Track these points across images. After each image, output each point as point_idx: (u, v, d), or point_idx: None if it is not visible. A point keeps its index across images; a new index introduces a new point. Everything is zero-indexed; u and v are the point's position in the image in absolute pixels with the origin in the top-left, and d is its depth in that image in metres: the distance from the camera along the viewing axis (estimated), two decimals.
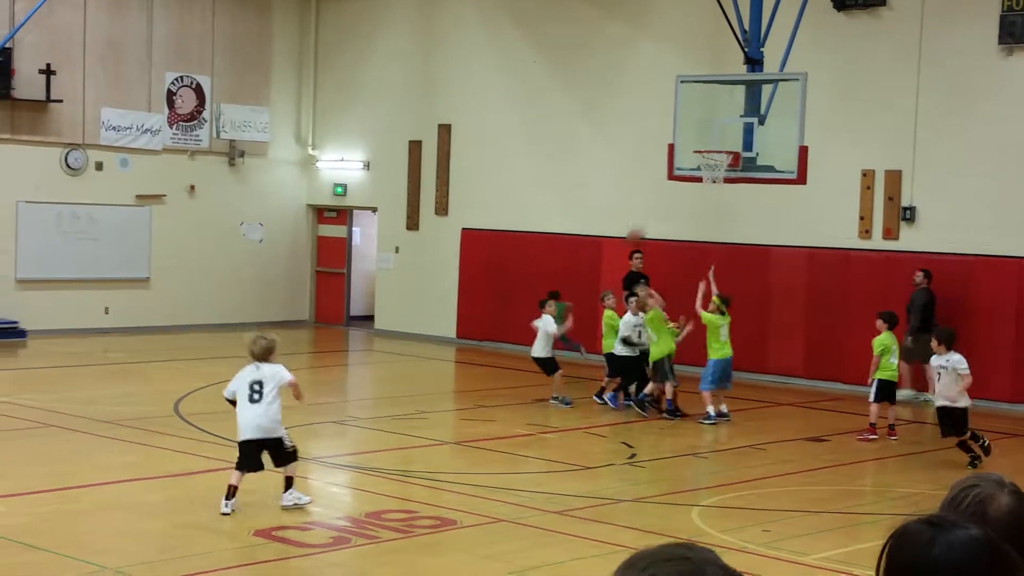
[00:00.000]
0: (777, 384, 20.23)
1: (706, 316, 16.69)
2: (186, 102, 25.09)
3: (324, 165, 26.85)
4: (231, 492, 11.05)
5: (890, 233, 19.76)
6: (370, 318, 26.60)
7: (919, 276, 18.71)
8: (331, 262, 27.22)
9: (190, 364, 21.01)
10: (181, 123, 25.04)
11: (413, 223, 25.44)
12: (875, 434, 15.62)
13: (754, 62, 17.34)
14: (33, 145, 23.09)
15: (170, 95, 24.85)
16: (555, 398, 17.49)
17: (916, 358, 17.95)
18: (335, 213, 27.16)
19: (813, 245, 20.37)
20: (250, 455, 11.16)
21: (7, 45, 21.87)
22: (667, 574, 1.90)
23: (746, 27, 17.47)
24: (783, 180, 16.90)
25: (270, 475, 12.88)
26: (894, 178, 19.66)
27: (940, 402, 14.21)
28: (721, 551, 8.54)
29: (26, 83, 22.72)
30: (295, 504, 11.31)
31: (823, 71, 19.13)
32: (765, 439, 15.59)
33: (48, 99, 23.02)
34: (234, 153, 25.77)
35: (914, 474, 13.95)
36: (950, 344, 14.30)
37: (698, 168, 16.99)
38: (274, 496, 11.43)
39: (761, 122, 16.77)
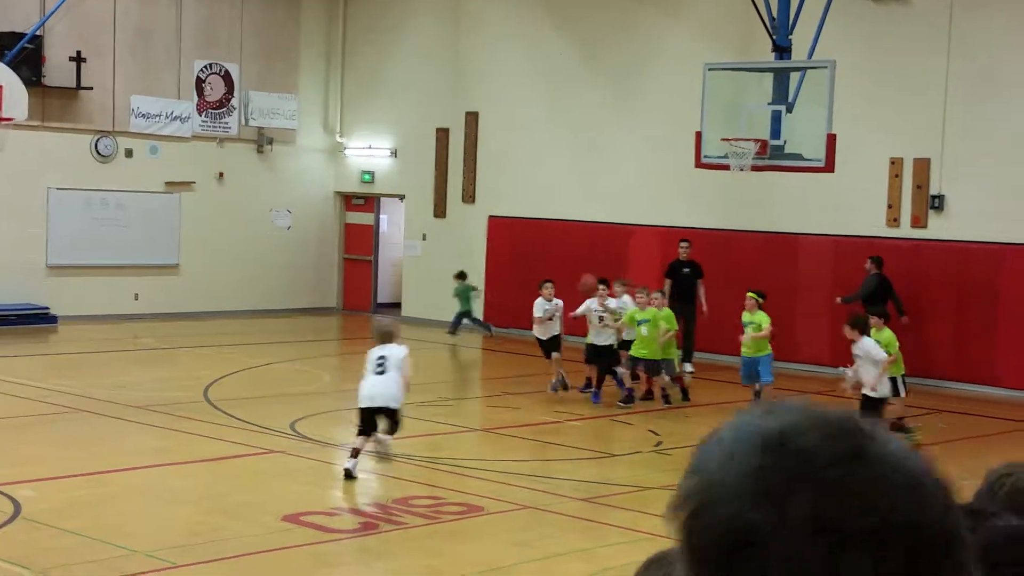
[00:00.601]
0: (805, 372, 20.19)
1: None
2: (215, 89, 25.19)
3: (352, 152, 26.92)
4: (355, 453, 12.22)
5: (918, 221, 19.68)
6: (397, 305, 26.67)
7: (868, 263, 19.10)
8: (359, 249, 27.30)
9: (219, 350, 21.13)
10: (210, 110, 25.15)
11: (440, 211, 25.48)
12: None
13: (782, 49, 17.28)
14: (64, 132, 23.24)
15: (199, 82, 24.96)
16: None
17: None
18: (363, 200, 27.23)
19: (841, 233, 20.30)
20: (367, 420, 12.28)
21: (38, 33, 22.00)
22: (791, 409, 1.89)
23: (774, 14, 17.41)
24: (811, 168, 16.84)
25: (300, 460, 12.97)
26: (923, 166, 19.57)
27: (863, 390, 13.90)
28: None
29: (57, 71, 22.86)
30: (384, 451, 12.51)
31: (852, 58, 19.04)
32: None
33: (78, 86, 23.15)
34: (262, 140, 25.87)
35: (946, 463, 13.88)
36: (863, 330, 13.88)
37: (725, 156, 16.95)
38: (308, 481, 11.48)
39: (789, 110, 16.72)
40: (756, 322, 16.00)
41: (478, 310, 24.00)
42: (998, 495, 2.57)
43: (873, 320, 14.63)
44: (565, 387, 16.88)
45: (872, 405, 13.65)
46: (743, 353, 16.30)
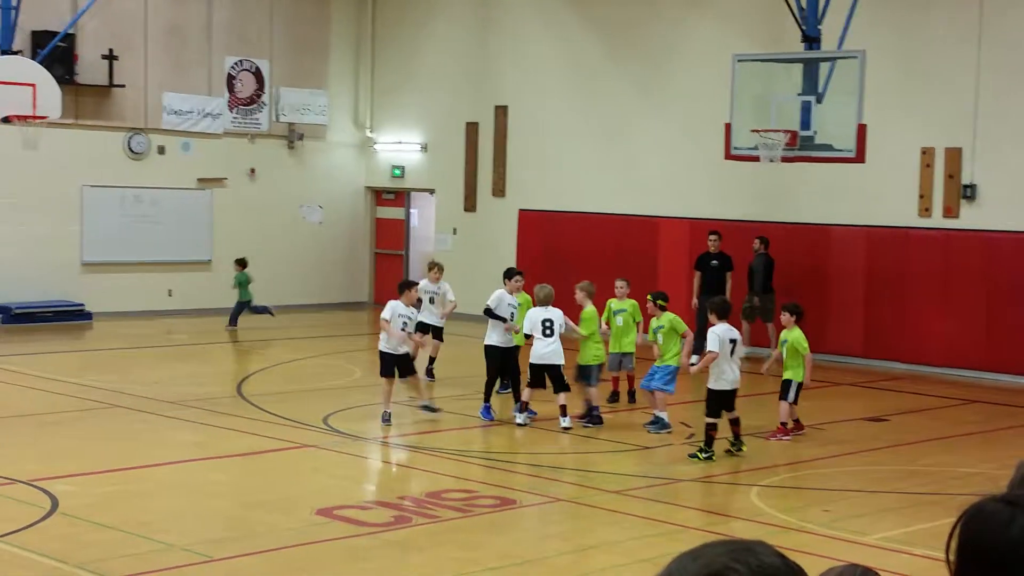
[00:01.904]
0: (836, 364, 20.12)
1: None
2: (246, 86, 25.31)
3: (382, 147, 26.99)
4: (523, 407, 14.35)
5: (950, 211, 19.58)
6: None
7: (757, 243, 20.12)
8: (389, 244, 27.39)
9: (252, 345, 21.26)
10: (241, 107, 25.28)
11: (470, 204, 25.53)
12: (788, 434, 14.25)
13: (812, 40, 17.22)
14: (96, 130, 23.42)
15: (230, 79, 25.09)
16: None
17: (757, 317, 19.43)
18: (393, 195, 27.31)
19: (872, 224, 20.22)
20: (537, 376, 14.33)
21: (70, 31, 22.16)
22: (717, 553, 1.94)
23: (803, 4, 17.34)
24: (841, 159, 16.78)
25: (333, 455, 13.05)
26: (954, 156, 19.46)
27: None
28: (780, 530, 8.51)
29: (89, 68, 23.04)
30: (564, 428, 14.18)
31: (882, 48, 18.95)
32: (824, 419, 15.53)
33: (111, 84, 23.33)
34: (293, 136, 25.99)
35: (976, 453, 13.86)
36: (722, 316, 13.18)
37: (755, 147, 16.91)
38: (341, 475, 11.53)
39: (819, 100, 16.66)
40: (666, 325, 14.44)
41: (256, 296, 22.80)
42: None
43: (784, 318, 14.10)
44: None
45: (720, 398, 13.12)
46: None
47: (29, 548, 9.40)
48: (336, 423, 14.49)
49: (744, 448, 13.29)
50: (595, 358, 14.90)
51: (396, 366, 14.42)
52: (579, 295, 15.10)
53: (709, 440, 12.98)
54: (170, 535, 9.89)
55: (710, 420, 13.01)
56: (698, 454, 13.01)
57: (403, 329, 14.40)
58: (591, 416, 14.73)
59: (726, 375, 13.03)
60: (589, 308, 14.94)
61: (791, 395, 13.99)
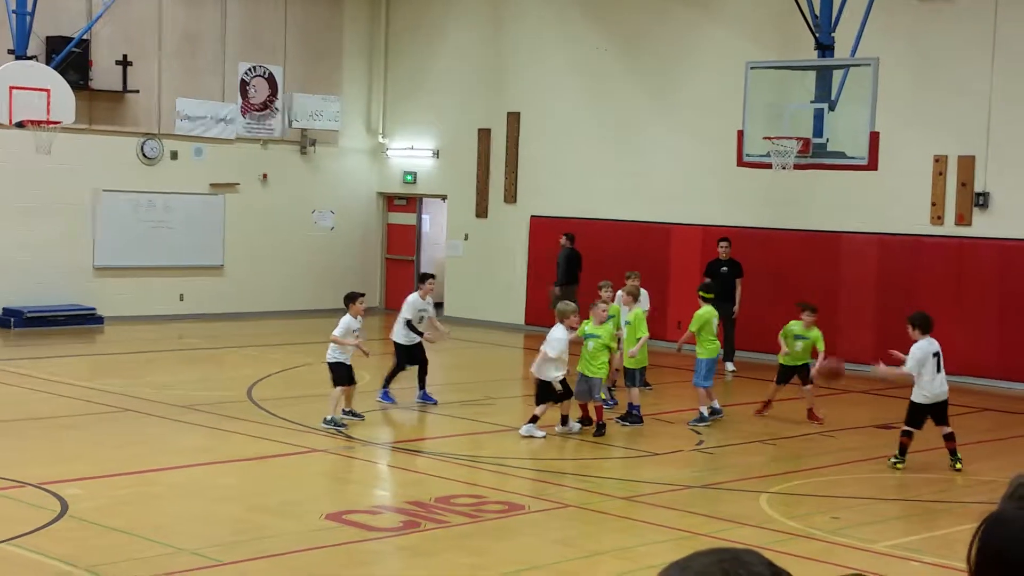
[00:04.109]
0: (848, 371, 20.04)
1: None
2: (259, 92, 25.38)
3: (394, 153, 27.03)
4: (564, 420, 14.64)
5: (963, 219, 19.53)
6: (439, 305, 26.74)
7: (563, 239, 22.08)
8: (401, 249, 27.42)
9: (263, 350, 21.28)
10: (254, 112, 25.34)
11: (482, 210, 25.55)
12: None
13: (825, 47, 17.20)
14: (110, 135, 23.49)
15: (243, 85, 25.15)
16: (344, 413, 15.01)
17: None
18: (405, 201, 27.34)
19: (884, 232, 20.18)
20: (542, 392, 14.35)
21: (85, 37, 22.24)
22: (706, 563, 1.96)
23: (817, 12, 17.33)
24: (854, 166, 16.75)
25: (343, 459, 13.05)
26: (967, 164, 19.42)
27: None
28: (788, 537, 8.49)
29: (103, 74, 23.12)
30: (567, 431, 14.40)
31: (895, 56, 18.93)
32: (835, 426, 15.51)
33: (125, 90, 23.41)
34: (305, 142, 26.04)
35: (988, 462, 13.80)
36: (925, 330, 13.30)
37: (768, 154, 16.89)
38: (350, 480, 11.53)
39: (832, 108, 16.63)
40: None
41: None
42: (1015, 496, 2.56)
43: (807, 318, 15.61)
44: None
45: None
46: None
47: (39, 551, 9.42)
48: (347, 428, 14.48)
49: (959, 465, 13.23)
50: (637, 362, 15.41)
51: (350, 374, 14.74)
52: (625, 298, 16.00)
53: (902, 448, 13.28)
54: (179, 539, 9.91)
55: (907, 428, 13.26)
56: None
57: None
58: (631, 416, 15.19)
59: (930, 387, 13.12)
60: (635, 311, 15.58)
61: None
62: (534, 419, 14.34)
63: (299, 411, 15.31)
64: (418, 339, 16.02)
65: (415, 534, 10.37)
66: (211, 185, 24.85)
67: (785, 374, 15.82)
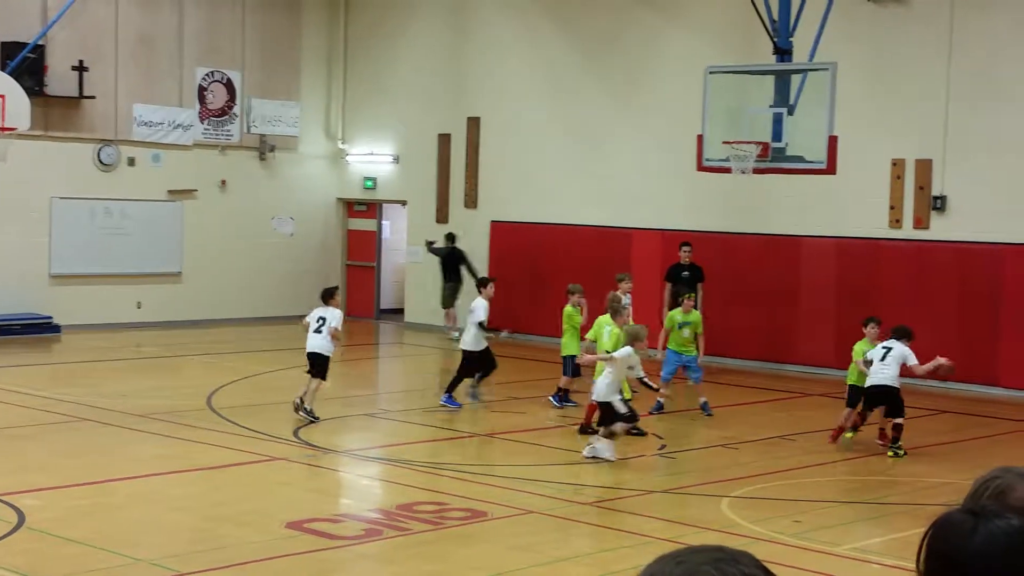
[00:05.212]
0: (807, 375, 20.17)
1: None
2: (217, 97, 25.22)
3: (354, 159, 26.94)
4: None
5: (920, 222, 19.67)
6: (400, 311, 26.67)
7: (443, 240, 23.83)
8: (361, 255, 27.32)
9: (222, 358, 21.13)
10: (212, 118, 25.17)
11: (443, 216, 25.49)
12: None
13: (783, 52, 17.28)
14: (66, 141, 23.27)
15: (201, 90, 24.99)
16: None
17: (450, 304, 23.66)
18: (365, 207, 27.25)
19: (843, 235, 20.29)
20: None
21: (40, 42, 22.03)
22: (700, 560, 1.94)
23: (775, 17, 17.40)
24: (813, 170, 16.84)
25: (304, 467, 12.97)
26: (924, 167, 19.56)
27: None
28: (751, 541, 8.48)
29: (59, 80, 22.89)
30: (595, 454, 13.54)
31: (853, 60, 19.04)
32: (795, 430, 15.56)
33: (81, 95, 23.18)
34: (264, 148, 25.90)
35: (947, 464, 13.89)
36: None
37: (727, 159, 16.94)
38: (311, 488, 11.46)
39: (791, 112, 16.71)
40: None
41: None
42: (982, 497, 2.60)
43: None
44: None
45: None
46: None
47: None
48: (307, 436, 14.41)
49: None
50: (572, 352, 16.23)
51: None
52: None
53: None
54: (138, 549, 9.81)
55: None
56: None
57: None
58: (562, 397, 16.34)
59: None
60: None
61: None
62: (611, 435, 13.54)
63: (259, 419, 15.20)
64: (486, 344, 16.38)
65: (377, 542, 10.32)
66: (169, 192, 24.66)
67: (855, 396, 14.74)
